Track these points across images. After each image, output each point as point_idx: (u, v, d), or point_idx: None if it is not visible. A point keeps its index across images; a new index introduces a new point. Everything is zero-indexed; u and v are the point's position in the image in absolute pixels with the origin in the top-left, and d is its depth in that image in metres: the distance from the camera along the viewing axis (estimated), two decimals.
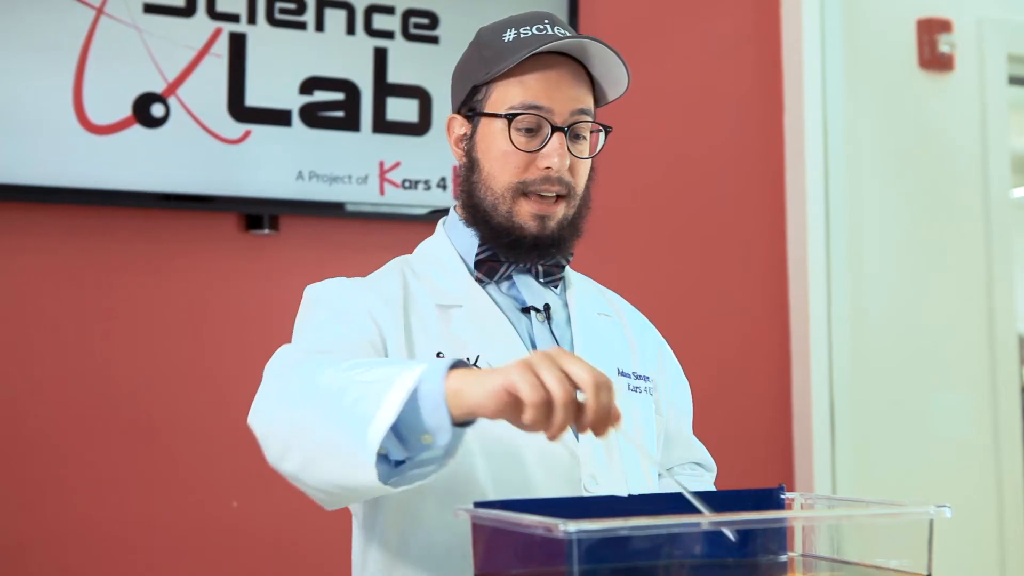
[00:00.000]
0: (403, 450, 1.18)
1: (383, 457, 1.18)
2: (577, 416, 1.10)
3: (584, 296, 1.59)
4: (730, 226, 2.95)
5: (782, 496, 1.24)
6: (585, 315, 1.56)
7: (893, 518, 1.12)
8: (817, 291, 2.97)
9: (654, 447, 1.59)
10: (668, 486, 1.61)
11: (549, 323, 1.52)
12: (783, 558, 1.19)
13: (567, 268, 1.59)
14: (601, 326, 1.58)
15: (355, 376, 1.20)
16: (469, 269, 1.53)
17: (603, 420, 1.10)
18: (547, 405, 1.08)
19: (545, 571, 1.02)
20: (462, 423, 1.16)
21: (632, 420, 1.54)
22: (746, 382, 2.93)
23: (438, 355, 1.44)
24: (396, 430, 1.17)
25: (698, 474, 1.70)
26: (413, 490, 1.40)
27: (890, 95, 3.14)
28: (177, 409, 2.41)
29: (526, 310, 1.52)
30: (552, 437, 1.10)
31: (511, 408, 1.10)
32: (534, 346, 1.49)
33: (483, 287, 1.52)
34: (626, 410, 1.49)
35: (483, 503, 1.14)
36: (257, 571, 2.42)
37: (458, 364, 1.17)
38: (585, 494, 1.41)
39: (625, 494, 1.23)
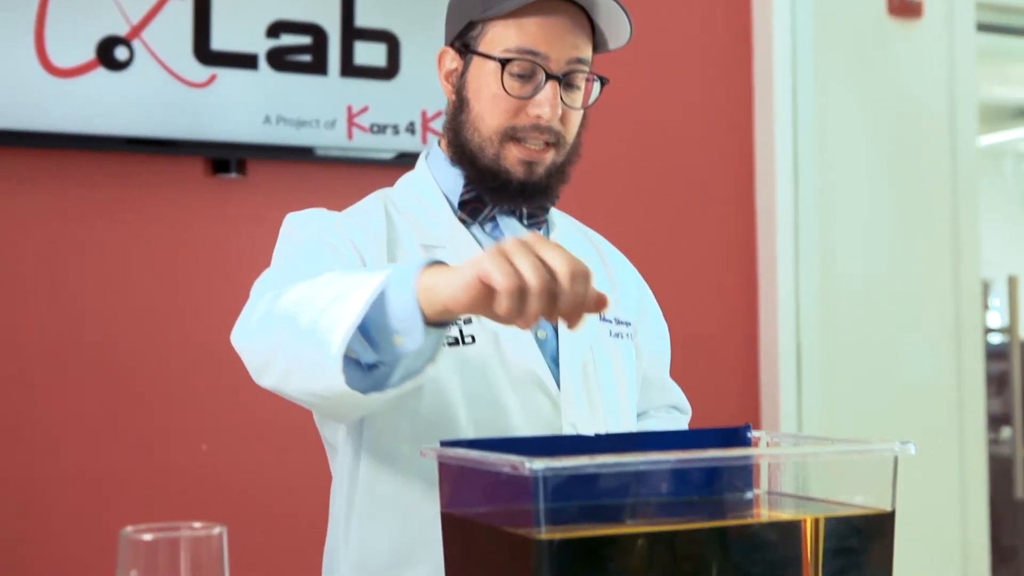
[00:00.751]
0: (374, 353, 1.16)
1: (355, 363, 1.17)
2: (551, 305, 1.06)
3: (567, 239, 1.58)
4: (699, 169, 2.95)
5: (748, 435, 1.24)
6: None
7: (858, 455, 1.12)
8: (785, 234, 2.98)
9: (634, 393, 1.58)
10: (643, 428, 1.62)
11: None
12: (749, 495, 1.19)
13: (551, 209, 1.57)
14: None
15: (327, 284, 1.18)
16: (453, 209, 1.50)
17: (577, 309, 1.07)
18: (521, 292, 1.04)
19: (511, 509, 1.02)
20: (440, 323, 1.14)
21: (613, 366, 1.53)
22: (712, 322, 2.94)
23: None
24: (367, 333, 1.15)
25: (674, 417, 1.70)
26: (391, 434, 1.40)
27: (859, 41, 3.13)
28: (145, 354, 2.40)
29: None
30: (526, 326, 1.06)
31: (484, 299, 1.07)
32: None
33: (467, 227, 1.50)
34: (607, 356, 1.53)
35: (449, 442, 1.12)
36: (227, 514, 2.42)
37: (435, 263, 1.14)
38: None
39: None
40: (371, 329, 1.15)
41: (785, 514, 1.15)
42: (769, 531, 1.06)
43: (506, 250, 1.07)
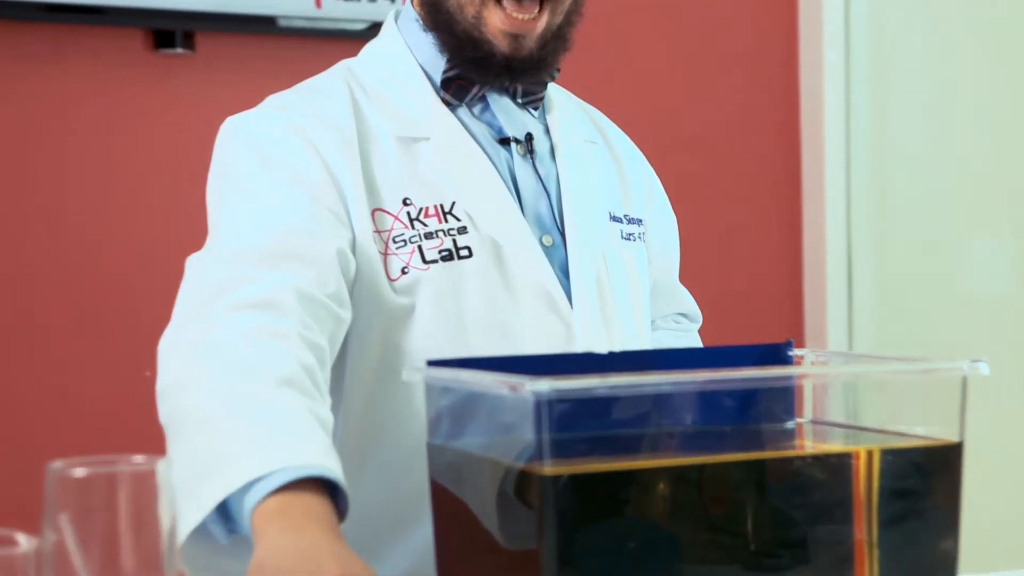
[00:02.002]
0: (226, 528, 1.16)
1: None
2: None
3: (569, 120, 1.56)
4: (738, 48, 2.96)
5: (789, 352, 1.23)
6: (571, 146, 1.53)
7: (919, 376, 1.12)
8: (834, 119, 2.99)
9: (647, 306, 1.59)
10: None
11: (532, 158, 1.49)
12: (790, 425, 1.19)
13: (549, 85, 1.55)
14: (589, 158, 1.56)
15: (203, 434, 1.16)
16: (435, 87, 1.48)
17: None
18: None
19: (511, 440, 1.02)
20: None
21: (628, 275, 1.54)
22: (748, 220, 2.96)
23: (404, 202, 1.41)
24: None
25: (684, 327, 1.72)
26: (378, 371, 1.40)
27: None
28: (74, 262, 2.39)
29: (505, 141, 1.49)
30: None
31: None
32: (516, 186, 1.47)
33: (452, 111, 1.48)
34: (621, 263, 1.52)
35: (438, 361, 1.12)
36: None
37: (295, 483, 1.11)
38: None
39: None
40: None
41: (833, 446, 1.15)
42: (814, 467, 1.06)
43: None
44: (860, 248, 3.01)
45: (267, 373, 1.20)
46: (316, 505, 1.10)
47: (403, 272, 1.39)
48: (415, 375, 1.11)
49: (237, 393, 1.19)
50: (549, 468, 0.96)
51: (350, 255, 1.37)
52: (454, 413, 1.10)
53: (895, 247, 3.07)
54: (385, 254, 1.39)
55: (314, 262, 1.33)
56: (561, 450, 0.97)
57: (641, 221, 1.58)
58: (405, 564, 1.41)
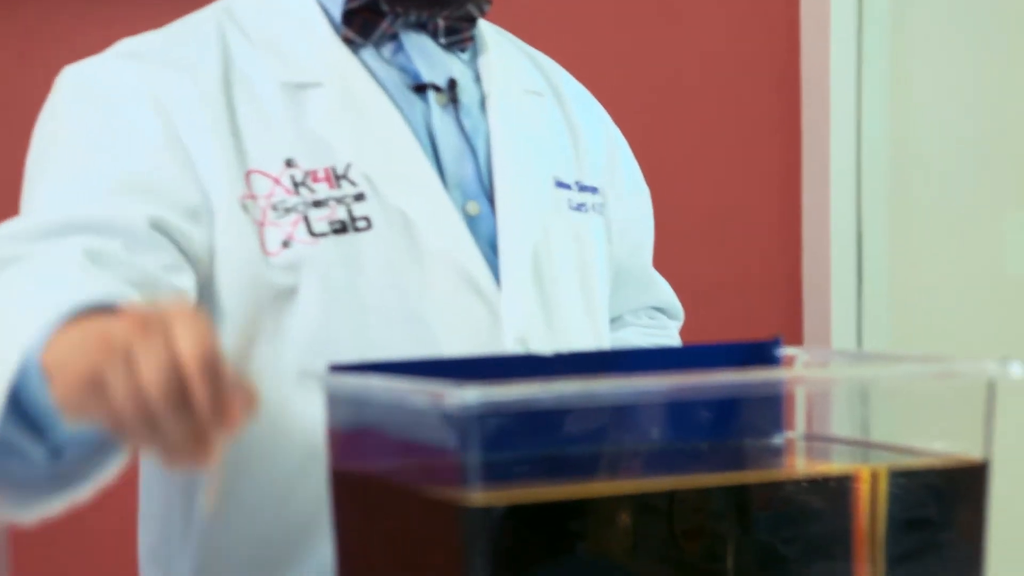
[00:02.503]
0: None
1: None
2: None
3: (506, 66, 1.56)
4: None
5: (778, 352, 1.23)
6: (508, 96, 1.53)
7: (936, 380, 1.11)
8: (842, 77, 2.98)
9: (606, 291, 1.59)
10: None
11: (455, 109, 1.49)
12: (778, 440, 1.19)
13: (480, 22, 1.54)
14: (531, 113, 1.55)
15: None
16: (333, 24, 1.47)
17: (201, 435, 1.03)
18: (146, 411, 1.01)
19: (430, 464, 1.01)
20: None
21: (577, 253, 1.54)
22: (739, 199, 2.97)
23: (288, 163, 1.41)
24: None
25: (659, 324, 1.71)
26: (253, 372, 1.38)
27: None
28: None
29: (421, 88, 1.48)
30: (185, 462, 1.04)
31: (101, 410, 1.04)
32: (433, 144, 1.47)
33: (355, 53, 1.47)
34: (567, 238, 1.52)
35: (343, 365, 1.11)
36: None
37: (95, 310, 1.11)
38: None
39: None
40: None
41: (831, 467, 1.15)
42: (807, 492, 1.06)
43: (132, 335, 1.02)
44: (871, 227, 3.02)
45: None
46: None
47: (284, 246, 1.38)
48: (312, 381, 1.10)
49: None
50: (478, 497, 0.95)
51: (186, 227, 1.36)
52: (361, 430, 1.09)
53: (913, 227, 3.08)
54: (262, 224, 1.38)
55: (116, 232, 1.31)
56: (494, 474, 0.96)
57: (597, 190, 1.58)
58: None
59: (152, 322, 1.02)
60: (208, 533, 1.43)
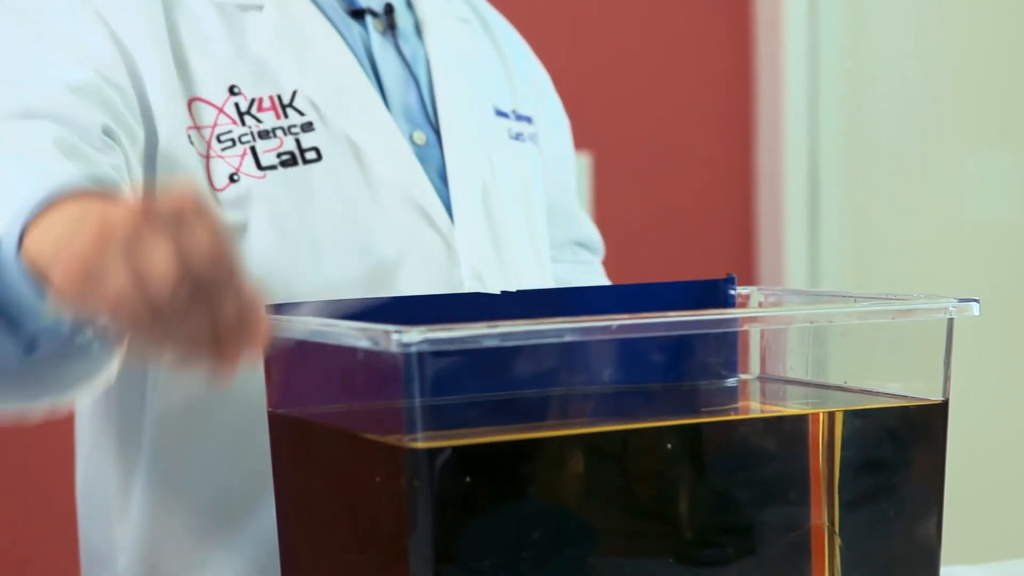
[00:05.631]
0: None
1: None
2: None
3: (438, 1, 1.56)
4: None
5: (732, 291, 1.23)
6: (443, 22, 1.53)
7: (894, 318, 1.10)
8: (798, 10, 3.00)
9: (544, 225, 1.60)
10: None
11: (393, 34, 1.49)
12: (732, 382, 1.19)
13: None
14: (465, 40, 1.56)
15: None
16: None
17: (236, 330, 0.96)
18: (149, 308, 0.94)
19: (373, 407, 1.00)
20: None
21: (520, 183, 1.54)
22: (685, 130, 2.95)
23: (232, 91, 1.39)
24: None
25: (582, 259, 1.71)
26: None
27: None
28: None
29: (358, 14, 1.47)
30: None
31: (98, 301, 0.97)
32: (376, 72, 1.46)
33: None
34: (510, 168, 1.52)
35: (282, 305, 1.10)
36: None
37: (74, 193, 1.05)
38: None
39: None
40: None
41: (785, 408, 1.16)
42: (761, 434, 1.06)
43: (139, 221, 0.94)
44: (827, 162, 3.03)
45: None
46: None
47: (231, 180, 1.36)
48: None
49: None
50: (422, 440, 0.94)
51: (131, 146, 1.32)
52: (301, 372, 1.08)
53: (869, 163, 3.08)
54: (207, 156, 1.36)
55: (75, 128, 1.26)
56: (439, 418, 0.96)
57: (532, 119, 1.59)
58: (246, 559, 1.39)
59: (161, 211, 0.94)
60: (162, 483, 1.42)
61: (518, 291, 1.20)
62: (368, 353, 0.96)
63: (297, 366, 1.08)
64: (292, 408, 1.09)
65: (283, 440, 1.10)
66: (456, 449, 0.95)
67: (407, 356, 0.93)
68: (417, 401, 0.94)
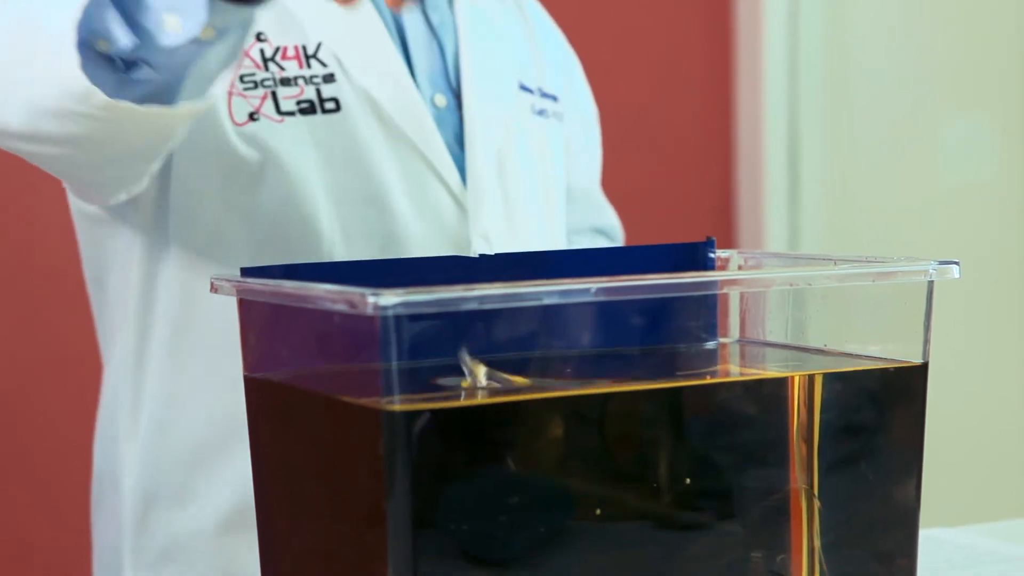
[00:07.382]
0: (131, 37, 1.12)
1: (107, 60, 1.14)
2: None
3: None
4: None
5: (711, 254, 1.22)
6: None
7: (874, 281, 1.11)
8: None
9: (563, 197, 1.62)
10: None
11: (424, 8, 1.50)
12: (711, 345, 1.19)
13: None
14: (496, 17, 1.58)
15: None
16: None
17: None
18: None
19: (350, 371, 1.00)
20: None
21: (539, 155, 1.56)
22: (664, 93, 2.95)
23: (258, 37, 1.41)
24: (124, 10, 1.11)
25: (600, 244, 1.72)
26: (211, 249, 1.39)
27: None
28: None
29: None
30: None
31: None
32: (402, 36, 1.48)
33: None
34: (529, 140, 1.54)
35: (257, 268, 1.10)
36: None
37: None
38: None
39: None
40: (127, 4, 1.11)
41: (764, 371, 1.17)
42: (740, 397, 1.06)
43: None
44: (807, 126, 3.03)
45: None
46: None
47: (251, 118, 1.39)
48: (225, 286, 1.08)
49: None
50: (399, 404, 0.94)
51: None
52: (277, 336, 1.08)
53: (849, 127, 3.08)
54: (230, 93, 1.39)
55: None
56: (416, 382, 0.95)
57: (557, 99, 1.61)
58: (226, 505, 1.41)
59: None
60: (166, 404, 1.44)
61: (496, 254, 1.20)
62: (345, 316, 0.96)
63: (273, 330, 1.08)
64: (268, 372, 1.08)
65: (260, 405, 1.09)
66: (434, 412, 0.94)
67: (384, 319, 0.92)
68: (394, 364, 0.93)
